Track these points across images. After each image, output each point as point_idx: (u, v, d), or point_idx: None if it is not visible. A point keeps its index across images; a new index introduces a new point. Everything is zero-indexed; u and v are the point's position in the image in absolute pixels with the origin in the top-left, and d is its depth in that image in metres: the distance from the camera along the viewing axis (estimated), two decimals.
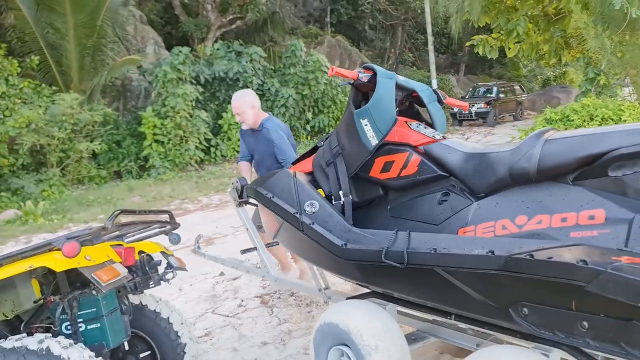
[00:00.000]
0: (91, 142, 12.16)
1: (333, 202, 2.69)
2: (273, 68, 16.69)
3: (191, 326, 2.89)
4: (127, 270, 2.31)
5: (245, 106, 4.03)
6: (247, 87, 15.16)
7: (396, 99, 2.57)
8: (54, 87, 12.55)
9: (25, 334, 2.07)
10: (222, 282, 5.23)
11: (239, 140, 14.51)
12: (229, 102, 14.90)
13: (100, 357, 2.08)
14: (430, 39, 21.52)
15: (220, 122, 14.61)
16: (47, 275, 2.33)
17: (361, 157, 2.59)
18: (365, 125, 2.51)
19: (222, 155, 14.62)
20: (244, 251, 3.65)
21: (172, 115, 13.17)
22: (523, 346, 2.07)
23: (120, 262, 2.36)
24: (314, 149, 3.02)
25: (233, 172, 12.84)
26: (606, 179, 1.83)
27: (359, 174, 2.68)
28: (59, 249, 2.03)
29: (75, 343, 2.05)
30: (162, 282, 2.59)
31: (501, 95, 21.32)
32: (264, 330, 3.88)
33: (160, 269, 2.69)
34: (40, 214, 9.35)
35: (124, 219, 2.80)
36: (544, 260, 1.70)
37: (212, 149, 14.33)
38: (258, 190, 2.92)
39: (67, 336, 2.16)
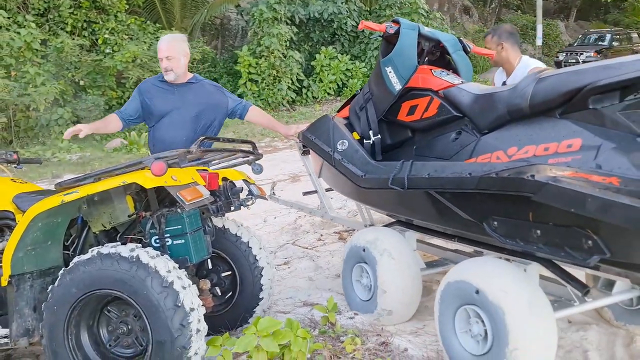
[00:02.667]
0: None
1: (364, 142, 2.99)
2: (369, 9, 16.33)
3: (268, 252, 3.05)
4: (209, 193, 2.41)
5: (180, 52, 3.27)
6: (342, 28, 15.00)
7: (423, 49, 2.91)
8: (157, 24, 13.10)
9: (119, 243, 2.31)
10: (305, 217, 5.41)
11: (330, 82, 14.71)
12: (323, 44, 14.90)
13: (183, 269, 2.26)
14: None
15: (313, 63, 14.65)
16: (139, 193, 2.54)
17: (387, 101, 2.90)
18: (390, 72, 2.81)
19: (314, 97, 14.74)
20: (305, 193, 4.02)
21: (266, 55, 13.38)
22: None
23: (204, 186, 2.47)
24: (354, 96, 3.29)
25: (323, 113, 12.96)
26: (587, 112, 2.01)
27: (389, 118, 2.98)
28: (148, 168, 2.19)
29: (162, 255, 2.25)
30: (242, 207, 2.73)
31: (615, 44, 19.57)
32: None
33: (242, 196, 2.79)
34: (143, 143, 10.02)
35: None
36: (503, 177, 2.00)
37: (304, 90, 14.47)
38: (305, 135, 3.32)
39: (156, 249, 2.35)
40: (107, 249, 2.21)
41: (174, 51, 3.23)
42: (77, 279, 2.19)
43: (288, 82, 13.76)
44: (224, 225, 2.93)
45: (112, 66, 11.50)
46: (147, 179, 2.19)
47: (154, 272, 2.12)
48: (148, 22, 13.13)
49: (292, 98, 13.99)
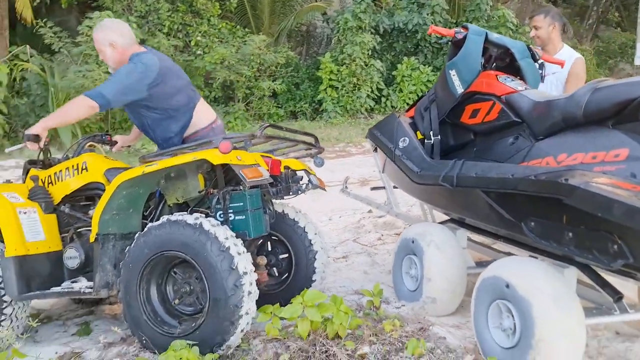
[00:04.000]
0: (273, 81, 13.21)
1: (425, 142, 3.13)
2: (455, 21, 16.22)
3: (323, 237, 3.24)
4: (269, 174, 2.62)
5: (104, 43, 3.01)
6: (425, 39, 15.02)
7: (491, 55, 3.03)
8: (246, 29, 13.74)
9: (186, 213, 2.60)
10: (368, 217, 5.57)
11: (410, 92, 14.77)
12: (405, 54, 14.97)
13: (240, 240, 2.51)
14: None
15: (394, 73, 14.76)
16: (210, 172, 2.82)
17: (449, 103, 3.03)
18: (453, 75, 2.92)
19: (392, 106, 14.82)
20: (373, 188, 4.16)
21: (348, 62, 13.65)
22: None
23: (267, 169, 2.70)
24: (422, 97, 3.43)
25: None
26: (638, 124, 2.07)
27: (452, 120, 3.11)
28: (216, 147, 2.44)
29: (225, 225, 2.52)
30: (299, 192, 2.93)
31: None
32: None
33: (302, 185, 2.99)
34: None
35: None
36: (540, 179, 2.10)
37: (383, 99, 14.59)
38: (372, 132, 3.53)
39: (220, 222, 2.59)
40: (176, 216, 2.51)
41: (98, 44, 3.06)
42: (149, 241, 2.51)
43: (367, 90, 13.94)
44: (283, 210, 3.15)
45: (202, 67, 12.20)
46: (215, 156, 2.45)
47: (213, 237, 2.37)
48: (238, 26, 13.79)
49: (370, 106, 14.16)
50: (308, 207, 6.20)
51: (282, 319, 2.44)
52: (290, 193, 2.88)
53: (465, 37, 2.93)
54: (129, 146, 3.42)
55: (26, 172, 3.17)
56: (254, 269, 2.45)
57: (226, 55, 12.13)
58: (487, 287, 2.39)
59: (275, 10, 14.90)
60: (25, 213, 2.82)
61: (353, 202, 5.88)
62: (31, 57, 10.77)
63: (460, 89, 2.93)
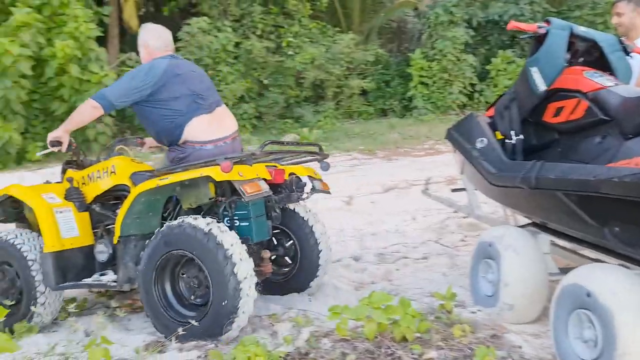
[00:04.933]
0: (363, 79, 13.23)
1: (505, 142, 3.01)
2: (557, 10, 15.32)
3: (328, 237, 3.47)
4: (268, 187, 2.86)
5: (140, 43, 3.25)
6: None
7: (577, 49, 2.85)
8: (337, 28, 13.85)
9: (200, 216, 2.85)
10: (453, 218, 5.43)
11: (505, 87, 14.16)
12: (500, 47, 14.37)
13: (244, 245, 2.77)
14: None
15: (488, 67, 14.24)
16: (221, 182, 2.93)
17: (531, 102, 2.90)
18: (535, 72, 2.79)
19: (486, 102, 14.29)
20: (454, 190, 4.06)
21: (439, 58, 13.36)
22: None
23: (270, 179, 2.96)
24: (502, 96, 3.32)
25: None
26: None
27: (535, 119, 2.96)
28: (218, 165, 2.66)
29: (232, 231, 2.77)
30: (302, 199, 3.23)
31: None
32: None
33: (304, 191, 3.27)
34: (313, 140, 10.75)
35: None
36: (624, 181, 1.99)
37: (476, 94, 14.13)
38: (451, 132, 3.44)
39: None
40: (191, 219, 2.77)
41: (138, 43, 3.31)
42: (165, 238, 2.80)
43: (460, 86, 13.57)
44: (294, 209, 3.36)
45: (292, 67, 12.47)
46: (218, 174, 2.69)
47: (220, 243, 2.65)
48: (328, 25, 13.94)
49: (462, 102, 13.76)
50: (393, 205, 6.21)
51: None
52: (292, 200, 3.18)
53: (547, 32, 2.79)
54: (158, 146, 3.69)
55: (63, 172, 3.45)
56: (253, 273, 2.72)
57: (316, 55, 12.32)
58: (567, 295, 2.27)
59: (365, 7, 14.89)
60: (61, 212, 3.13)
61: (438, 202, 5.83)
62: (136, 62, 11.56)
63: (542, 87, 2.80)
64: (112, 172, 3.19)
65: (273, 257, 3.37)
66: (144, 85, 3.02)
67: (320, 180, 3.33)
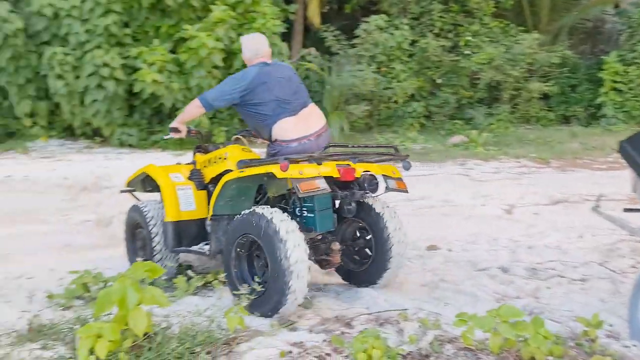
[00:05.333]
0: (545, 83, 12.32)
1: None
2: None
3: (404, 232, 3.56)
4: (326, 186, 3.04)
5: (242, 51, 3.74)
6: None
7: None
8: (520, 27, 13.06)
9: (268, 206, 3.19)
10: (627, 241, 4.85)
11: None
12: None
13: (303, 232, 3.08)
14: None
15: None
16: None
17: None
18: None
19: None
20: (626, 210, 3.56)
21: (639, 62, 11.89)
22: None
23: (339, 177, 3.18)
24: None
25: None
26: None
27: None
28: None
29: (291, 219, 3.05)
30: (364, 197, 3.39)
31: None
32: None
33: (381, 187, 3.44)
34: (482, 143, 10.31)
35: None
36: None
37: None
38: (623, 145, 3.08)
39: (298, 217, 3.34)
40: (260, 208, 3.14)
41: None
42: (241, 222, 3.20)
43: None
44: (372, 204, 3.54)
45: (468, 67, 12.08)
46: (278, 172, 2.98)
47: (277, 230, 2.95)
48: (511, 24, 13.20)
49: None
50: (558, 219, 5.73)
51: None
52: (356, 196, 3.35)
53: None
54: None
55: (193, 155, 3.96)
56: (306, 257, 2.98)
57: (495, 55, 11.78)
58: None
59: (556, 5, 13.81)
60: (182, 190, 3.70)
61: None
62: (315, 58, 12.18)
63: None
64: (224, 159, 3.62)
65: (357, 249, 3.68)
66: (234, 91, 3.47)
67: (397, 179, 3.50)
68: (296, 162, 3.07)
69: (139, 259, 3.44)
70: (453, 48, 12.94)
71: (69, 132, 10.59)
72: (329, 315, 3.18)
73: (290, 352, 2.53)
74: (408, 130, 11.76)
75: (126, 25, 10.36)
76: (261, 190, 3.57)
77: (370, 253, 3.60)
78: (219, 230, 3.52)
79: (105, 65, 9.49)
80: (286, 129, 3.45)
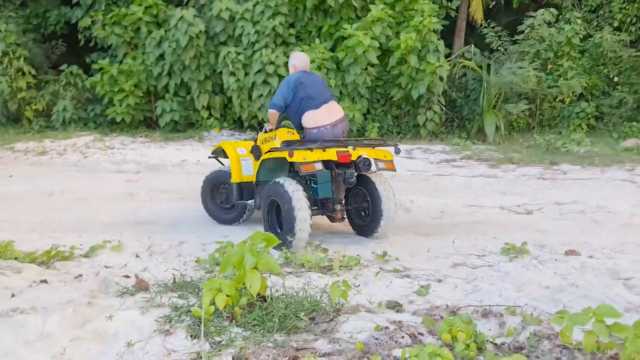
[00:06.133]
0: None
1: None
2: None
3: (393, 196, 4.71)
4: (322, 166, 4.32)
5: (290, 63, 5.19)
6: None
7: None
8: None
9: (287, 177, 4.54)
10: None
11: None
12: None
13: (307, 200, 4.35)
14: None
15: None
16: None
17: None
18: None
19: None
20: None
21: None
22: None
23: (337, 160, 4.40)
24: None
25: None
26: None
27: None
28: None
29: (298, 184, 4.39)
30: (353, 175, 4.54)
31: None
32: None
33: (373, 167, 4.58)
34: None
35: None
36: None
37: None
38: None
39: (311, 187, 4.76)
40: (281, 179, 4.44)
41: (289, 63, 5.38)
42: (269, 188, 4.56)
43: None
44: (370, 177, 4.74)
45: None
46: (287, 157, 4.32)
47: (289, 194, 4.29)
48: None
49: None
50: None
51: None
52: (349, 175, 4.51)
53: None
54: None
55: (257, 134, 5.30)
56: (307, 206, 4.30)
57: None
58: None
59: None
60: (244, 160, 5.18)
61: None
62: (474, 55, 11.85)
63: None
64: (273, 139, 4.87)
65: (362, 209, 4.93)
66: (288, 90, 4.87)
67: (388, 161, 4.62)
68: (307, 149, 4.35)
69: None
70: (634, 42, 11.67)
71: (238, 124, 11.68)
72: (439, 304, 3.24)
73: (387, 327, 2.67)
74: (574, 131, 10.91)
75: (291, 25, 11.12)
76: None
77: (363, 211, 4.90)
78: (260, 192, 4.88)
79: (271, 63, 10.30)
80: (310, 118, 4.80)
